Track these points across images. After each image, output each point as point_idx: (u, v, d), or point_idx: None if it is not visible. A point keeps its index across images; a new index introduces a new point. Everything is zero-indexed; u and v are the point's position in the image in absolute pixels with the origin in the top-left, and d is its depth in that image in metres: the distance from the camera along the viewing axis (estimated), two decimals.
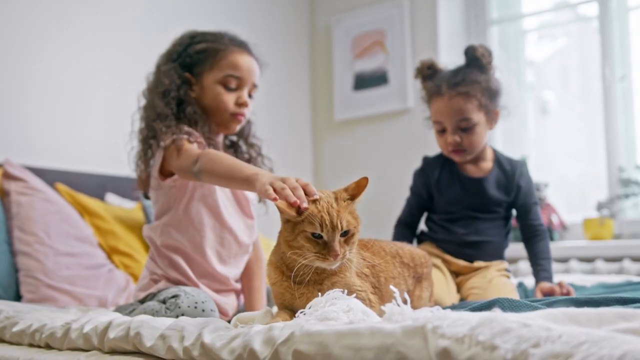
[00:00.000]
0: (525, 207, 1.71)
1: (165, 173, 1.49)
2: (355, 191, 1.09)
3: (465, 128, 1.65)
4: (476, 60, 1.68)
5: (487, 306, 1.07)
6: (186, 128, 1.46)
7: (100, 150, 2.31)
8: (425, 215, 1.82)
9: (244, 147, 1.68)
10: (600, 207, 2.71)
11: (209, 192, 1.49)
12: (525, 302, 1.08)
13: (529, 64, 3.27)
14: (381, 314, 1.02)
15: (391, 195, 3.11)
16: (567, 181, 3.11)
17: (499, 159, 1.75)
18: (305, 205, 1.03)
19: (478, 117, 1.65)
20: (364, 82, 3.26)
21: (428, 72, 1.75)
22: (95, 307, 1.72)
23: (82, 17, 2.33)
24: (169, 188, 1.49)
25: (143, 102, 1.59)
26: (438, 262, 1.70)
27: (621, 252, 2.55)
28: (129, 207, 2.24)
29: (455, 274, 1.73)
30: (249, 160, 1.66)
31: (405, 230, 1.79)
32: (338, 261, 1.03)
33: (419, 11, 3.11)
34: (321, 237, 1.03)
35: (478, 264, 1.70)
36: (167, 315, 1.30)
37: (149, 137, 1.52)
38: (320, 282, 1.08)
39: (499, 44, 3.19)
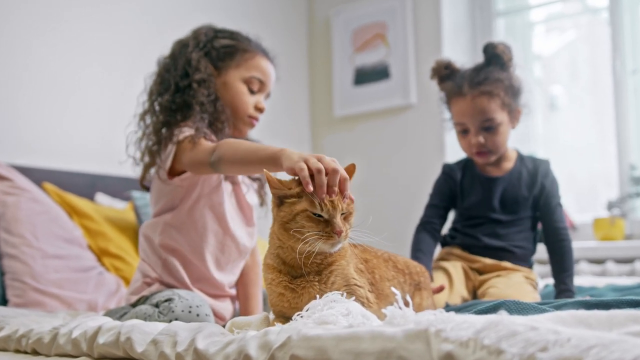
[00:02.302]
0: (549, 208, 1.67)
1: (173, 172, 1.45)
2: None
3: (489, 128, 1.65)
4: (497, 58, 1.67)
5: (493, 309, 1.08)
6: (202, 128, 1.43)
7: (90, 148, 2.28)
8: (449, 222, 1.81)
9: None
10: (610, 206, 2.69)
11: (217, 201, 1.46)
12: (532, 304, 1.09)
13: (537, 58, 3.26)
14: (380, 314, 0.97)
15: (393, 194, 3.05)
16: (576, 179, 3.09)
17: (521, 157, 1.75)
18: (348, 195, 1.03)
19: (501, 116, 1.65)
20: (364, 76, 3.23)
21: (445, 72, 1.73)
22: (85, 312, 1.71)
23: (73, 10, 2.31)
24: (175, 187, 1.46)
25: (154, 85, 1.52)
26: (452, 265, 1.67)
27: (633, 253, 2.52)
28: (120, 207, 2.22)
29: (479, 272, 1.69)
30: None
31: (426, 235, 1.72)
32: (342, 240, 1.02)
33: (422, 2, 3.08)
34: (321, 216, 1.02)
35: (505, 264, 1.67)
36: (160, 319, 1.28)
37: (165, 124, 1.46)
38: (319, 272, 1.07)
39: (505, 36, 3.16)
